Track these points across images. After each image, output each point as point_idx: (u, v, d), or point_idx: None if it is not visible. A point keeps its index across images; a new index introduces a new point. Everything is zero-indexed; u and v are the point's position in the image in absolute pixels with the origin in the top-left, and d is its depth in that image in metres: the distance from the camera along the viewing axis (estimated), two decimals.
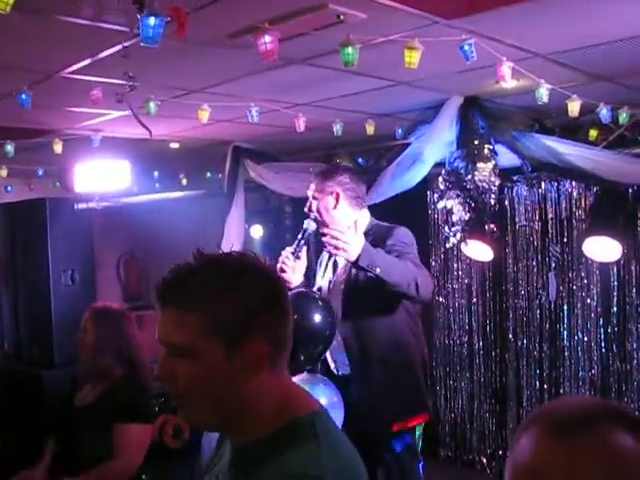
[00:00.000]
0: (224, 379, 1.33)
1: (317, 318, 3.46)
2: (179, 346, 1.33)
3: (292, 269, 3.41)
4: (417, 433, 3.54)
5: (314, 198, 3.50)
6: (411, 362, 3.46)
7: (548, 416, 0.97)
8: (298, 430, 1.33)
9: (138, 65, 3.25)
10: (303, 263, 3.48)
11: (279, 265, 3.39)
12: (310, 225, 3.48)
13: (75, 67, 3.54)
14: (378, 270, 3.04)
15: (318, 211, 3.48)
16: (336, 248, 3.11)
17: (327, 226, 3.39)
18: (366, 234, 3.39)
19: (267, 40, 2.54)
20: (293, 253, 3.40)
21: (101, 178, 6.00)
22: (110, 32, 2.87)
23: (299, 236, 3.47)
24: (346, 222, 3.41)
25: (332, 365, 3.56)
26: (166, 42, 2.39)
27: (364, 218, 3.52)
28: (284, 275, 3.36)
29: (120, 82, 3.79)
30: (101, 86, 3.64)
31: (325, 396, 3.26)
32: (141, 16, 2.03)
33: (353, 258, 3.05)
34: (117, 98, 2.79)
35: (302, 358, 3.42)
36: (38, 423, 5.28)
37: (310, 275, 3.77)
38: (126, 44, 2.55)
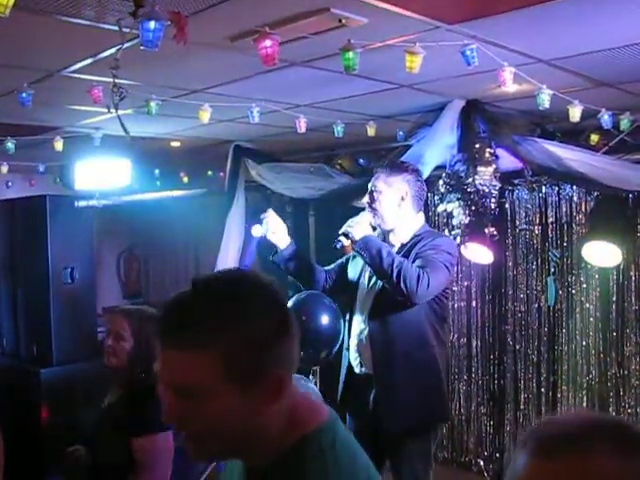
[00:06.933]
0: (239, 415, 1.25)
1: (325, 320, 3.45)
2: (187, 387, 1.24)
3: None
4: (435, 437, 3.53)
5: (379, 191, 3.45)
6: (435, 364, 3.44)
7: (537, 436, 0.96)
8: (305, 449, 1.29)
9: (140, 65, 3.26)
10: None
11: None
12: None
13: (76, 66, 3.53)
14: (367, 257, 3.26)
15: (380, 205, 3.44)
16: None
17: (382, 220, 3.45)
18: (415, 236, 3.44)
19: (267, 44, 2.53)
20: None
21: (102, 176, 5.98)
22: (111, 32, 2.86)
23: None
24: (400, 221, 3.47)
25: (355, 362, 3.54)
26: (168, 43, 2.38)
27: (419, 221, 3.53)
28: None
29: (122, 81, 3.81)
30: (102, 85, 3.64)
31: None
32: (141, 20, 2.02)
33: (356, 237, 3.31)
34: (115, 101, 2.77)
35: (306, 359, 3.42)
36: (34, 421, 5.31)
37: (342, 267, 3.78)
38: (127, 45, 2.54)
